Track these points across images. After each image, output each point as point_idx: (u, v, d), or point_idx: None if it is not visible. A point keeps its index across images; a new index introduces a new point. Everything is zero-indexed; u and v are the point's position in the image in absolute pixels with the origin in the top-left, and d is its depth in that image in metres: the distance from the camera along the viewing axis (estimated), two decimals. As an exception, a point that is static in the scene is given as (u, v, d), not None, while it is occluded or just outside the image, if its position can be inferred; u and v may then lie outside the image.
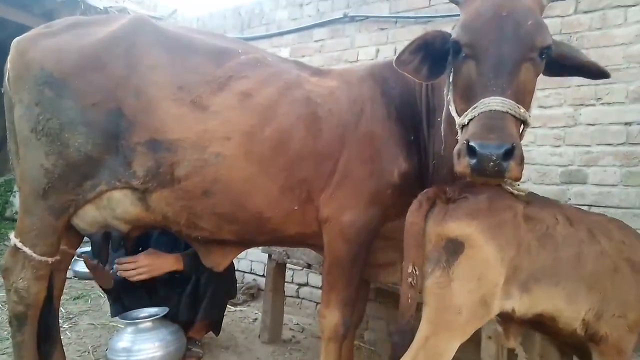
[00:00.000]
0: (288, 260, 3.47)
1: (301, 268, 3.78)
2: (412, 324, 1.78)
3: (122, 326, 3.02)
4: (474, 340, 2.81)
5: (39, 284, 2.21)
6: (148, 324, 2.86)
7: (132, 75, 2.06)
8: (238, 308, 4.36)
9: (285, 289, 3.81)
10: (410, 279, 1.77)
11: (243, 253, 4.38)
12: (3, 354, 3.06)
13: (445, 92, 1.89)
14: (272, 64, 2.27)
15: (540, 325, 1.87)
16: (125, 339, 2.82)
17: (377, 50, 4.09)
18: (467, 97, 1.68)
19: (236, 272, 4.84)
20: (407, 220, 1.82)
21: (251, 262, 4.90)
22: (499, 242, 1.70)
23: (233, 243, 2.35)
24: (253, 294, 4.67)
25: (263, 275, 4.42)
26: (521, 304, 1.75)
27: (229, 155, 2.07)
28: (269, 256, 3.65)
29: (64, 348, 2.58)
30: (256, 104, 2.11)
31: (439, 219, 1.77)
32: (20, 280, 2.17)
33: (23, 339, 2.23)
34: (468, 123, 1.61)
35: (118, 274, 2.82)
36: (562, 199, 3.10)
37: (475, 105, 1.59)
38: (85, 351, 3.21)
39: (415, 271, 1.75)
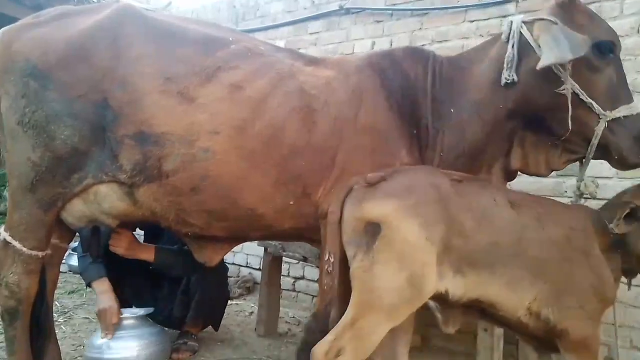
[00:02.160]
0: (284, 253, 3.46)
1: (297, 261, 3.78)
2: (329, 310, 1.78)
3: None
4: (470, 332, 2.84)
5: (30, 279, 2.18)
6: (130, 322, 2.76)
7: (118, 66, 2.01)
8: (234, 302, 4.35)
9: (281, 283, 3.81)
10: (326, 266, 1.79)
11: (239, 247, 4.37)
12: (-3, 348, 3.08)
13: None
14: (264, 53, 2.21)
15: (482, 312, 1.83)
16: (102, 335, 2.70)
17: (373, 43, 4.07)
18: (612, 95, 1.99)
19: (232, 266, 4.89)
20: (328, 210, 1.85)
21: (247, 255, 4.89)
22: (421, 220, 1.66)
23: (225, 239, 2.31)
24: (249, 287, 4.67)
25: (259, 269, 4.41)
26: (455, 286, 1.71)
27: (218, 150, 2.01)
28: (265, 249, 3.64)
29: (59, 342, 2.56)
30: (247, 96, 2.05)
31: (355, 203, 1.75)
32: (11, 275, 2.14)
33: (15, 333, 2.20)
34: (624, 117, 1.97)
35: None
36: (559, 192, 3.10)
37: (630, 104, 1.99)
38: (80, 345, 3.20)
39: (331, 258, 1.77)
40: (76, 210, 2.18)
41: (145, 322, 2.86)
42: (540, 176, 2.28)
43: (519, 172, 2.30)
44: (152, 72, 2.02)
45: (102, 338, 2.66)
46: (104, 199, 2.13)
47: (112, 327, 2.65)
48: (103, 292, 2.75)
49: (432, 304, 1.83)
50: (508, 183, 2.37)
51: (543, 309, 1.75)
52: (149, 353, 2.73)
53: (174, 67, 2.04)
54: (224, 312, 3.40)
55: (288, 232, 2.24)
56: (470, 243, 1.71)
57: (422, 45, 3.69)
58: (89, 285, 2.88)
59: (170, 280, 3.28)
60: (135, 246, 2.92)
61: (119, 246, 2.85)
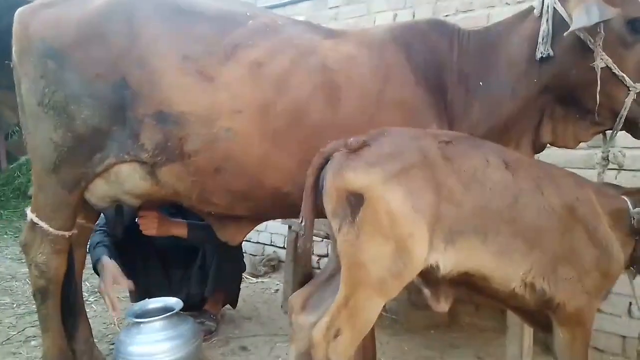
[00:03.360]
0: (308, 231, 3.45)
1: (321, 239, 3.77)
2: (310, 271, 1.91)
3: (131, 321, 2.53)
4: (501, 309, 2.80)
5: (58, 258, 2.22)
6: (160, 324, 2.49)
7: (134, 46, 1.98)
8: (259, 279, 4.41)
9: (305, 260, 3.81)
10: (300, 230, 1.77)
11: (263, 225, 4.38)
12: (32, 326, 3.17)
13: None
14: (282, 29, 2.15)
15: (474, 286, 1.74)
16: (137, 340, 2.44)
17: (395, 15, 3.96)
18: None
19: (256, 244, 4.93)
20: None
21: (271, 234, 4.91)
22: (406, 189, 1.56)
23: (248, 218, 2.30)
24: (274, 265, 4.70)
25: (283, 247, 4.43)
26: (446, 259, 1.62)
27: (240, 130, 1.98)
28: (289, 227, 3.64)
29: (90, 320, 2.62)
30: (267, 75, 2.00)
31: (336, 173, 1.64)
32: (40, 255, 2.19)
33: (47, 312, 2.26)
34: None
35: (137, 220, 2.86)
36: (590, 164, 3.01)
37: None
38: (110, 323, 3.28)
39: (302, 222, 1.74)
40: (99, 190, 2.19)
41: (177, 319, 2.57)
42: (568, 148, 2.25)
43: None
44: (168, 51, 1.98)
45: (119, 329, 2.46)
46: (126, 179, 2.13)
47: (114, 306, 2.58)
48: (102, 269, 2.69)
49: (417, 279, 1.74)
50: (536, 155, 2.32)
51: (538, 280, 1.67)
52: (189, 351, 2.51)
53: (191, 46, 2.00)
54: (239, 287, 3.40)
55: (313, 209, 2.22)
56: (461, 209, 1.61)
57: (446, 15, 3.58)
58: (97, 273, 2.79)
59: (182, 263, 3.28)
60: (166, 224, 2.89)
61: (151, 228, 2.83)
